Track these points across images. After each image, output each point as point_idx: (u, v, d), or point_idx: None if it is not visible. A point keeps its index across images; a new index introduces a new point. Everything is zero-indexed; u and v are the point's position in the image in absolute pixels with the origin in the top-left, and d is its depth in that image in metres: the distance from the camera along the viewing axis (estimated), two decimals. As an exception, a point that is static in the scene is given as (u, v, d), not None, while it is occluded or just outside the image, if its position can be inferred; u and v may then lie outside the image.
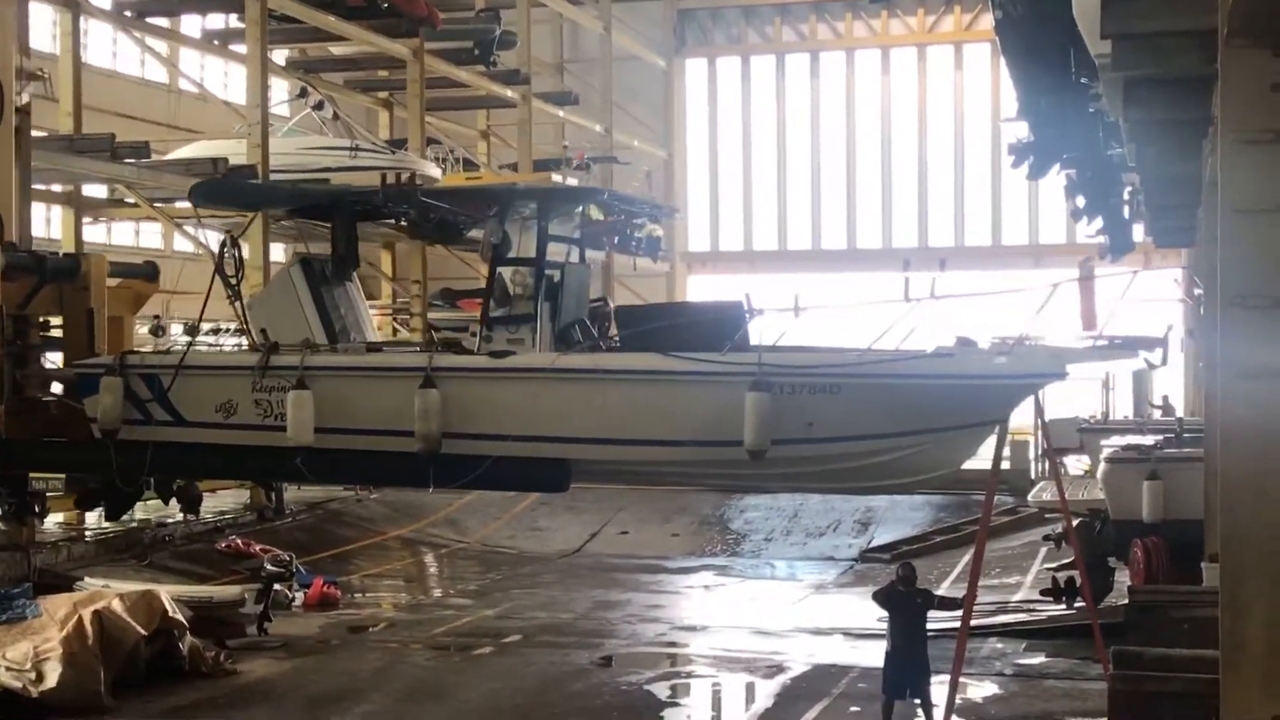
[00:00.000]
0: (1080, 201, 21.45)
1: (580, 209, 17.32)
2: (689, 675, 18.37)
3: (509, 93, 39.13)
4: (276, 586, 20.87)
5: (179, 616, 16.90)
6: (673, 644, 20.12)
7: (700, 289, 48.03)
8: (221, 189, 20.95)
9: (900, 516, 30.59)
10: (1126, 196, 21.75)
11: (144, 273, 22.78)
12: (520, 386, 14.89)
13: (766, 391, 13.28)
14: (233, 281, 16.70)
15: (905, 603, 13.92)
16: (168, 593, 17.43)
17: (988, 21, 31.27)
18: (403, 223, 22.17)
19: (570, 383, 14.64)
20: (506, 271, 15.72)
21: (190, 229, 28.59)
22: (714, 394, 13.79)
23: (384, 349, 17.56)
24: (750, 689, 17.49)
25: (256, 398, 15.66)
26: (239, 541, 24.93)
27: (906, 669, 13.83)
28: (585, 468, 15.56)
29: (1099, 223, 23.20)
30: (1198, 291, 23.26)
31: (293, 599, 21.95)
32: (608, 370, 14.60)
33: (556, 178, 38.81)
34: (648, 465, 15.34)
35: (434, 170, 32.43)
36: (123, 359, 16.79)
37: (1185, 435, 20.24)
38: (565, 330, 15.68)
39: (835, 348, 14.48)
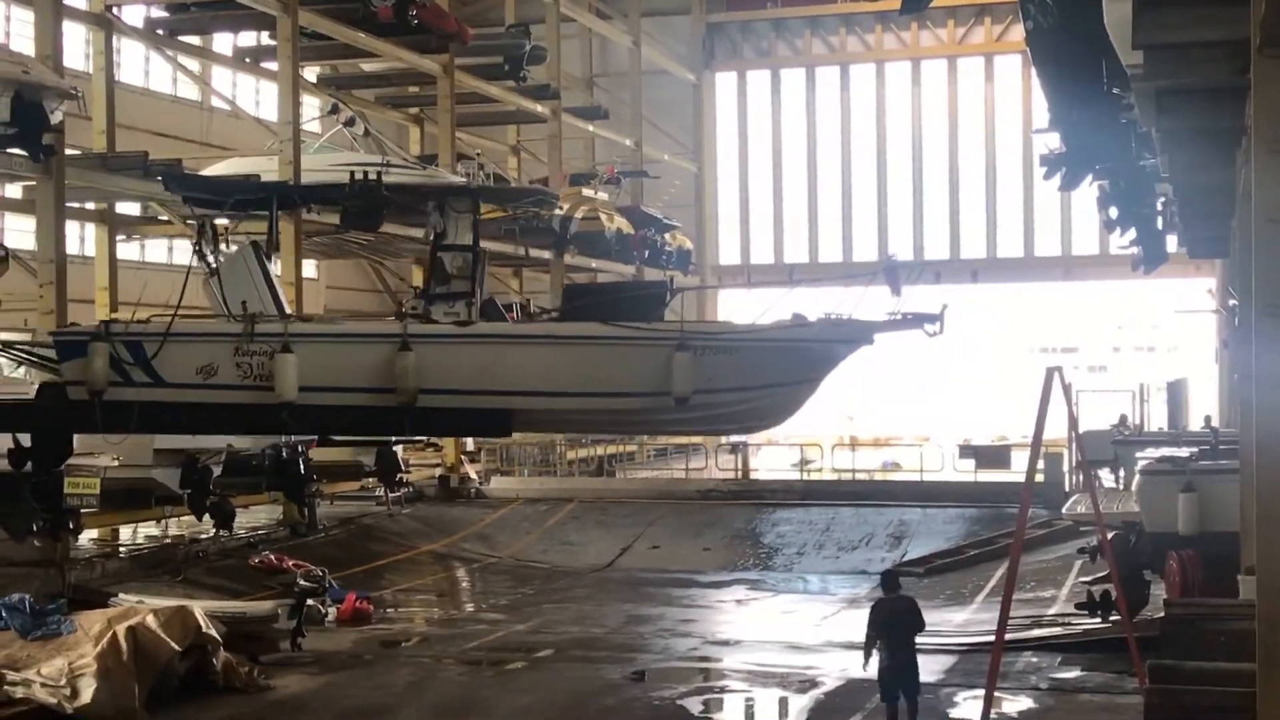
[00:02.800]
0: (1113, 213, 21.29)
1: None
2: (722, 690, 18.31)
3: (539, 108, 39.23)
4: (309, 602, 20.91)
5: (212, 632, 16.96)
6: (705, 659, 20.06)
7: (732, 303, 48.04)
8: (193, 180, 22.99)
9: (934, 530, 30.46)
10: (1160, 207, 21.61)
11: None
12: (484, 350, 17.21)
13: (688, 352, 16.12)
14: (209, 260, 18.41)
15: (892, 607, 14.42)
16: (201, 608, 17.49)
17: (1018, 33, 31.18)
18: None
19: (528, 346, 17.21)
20: (446, 256, 18.19)
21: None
22: (645, 354, 16.60)
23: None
24: (783, 704, 17.44)
25: (238, 360, 17.14)
26: (272, 557, 25.02)
27: (896, 671, 14.21)
28: (534, 417, 18.13)
29: (1132, 234, 23.07)
30: (1232, 302, 23.13)
31: (325, 614, 22.00)
32: (562, 336, 17.23)
33: (588, 192, 38.88)
34: (589, 414, 18.04)
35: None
36: (107, 326, 17.83)
37: (1220, 447, 20.06)
38: (483, 307, 18.16)
39: (723, 321, 16.85)
